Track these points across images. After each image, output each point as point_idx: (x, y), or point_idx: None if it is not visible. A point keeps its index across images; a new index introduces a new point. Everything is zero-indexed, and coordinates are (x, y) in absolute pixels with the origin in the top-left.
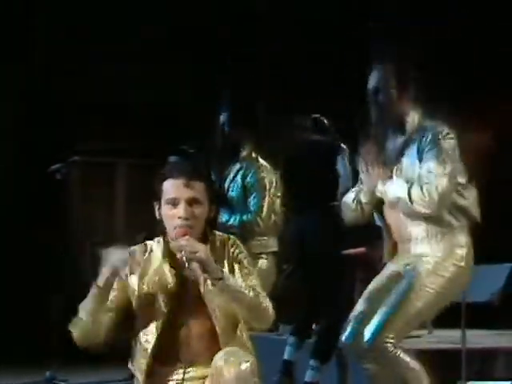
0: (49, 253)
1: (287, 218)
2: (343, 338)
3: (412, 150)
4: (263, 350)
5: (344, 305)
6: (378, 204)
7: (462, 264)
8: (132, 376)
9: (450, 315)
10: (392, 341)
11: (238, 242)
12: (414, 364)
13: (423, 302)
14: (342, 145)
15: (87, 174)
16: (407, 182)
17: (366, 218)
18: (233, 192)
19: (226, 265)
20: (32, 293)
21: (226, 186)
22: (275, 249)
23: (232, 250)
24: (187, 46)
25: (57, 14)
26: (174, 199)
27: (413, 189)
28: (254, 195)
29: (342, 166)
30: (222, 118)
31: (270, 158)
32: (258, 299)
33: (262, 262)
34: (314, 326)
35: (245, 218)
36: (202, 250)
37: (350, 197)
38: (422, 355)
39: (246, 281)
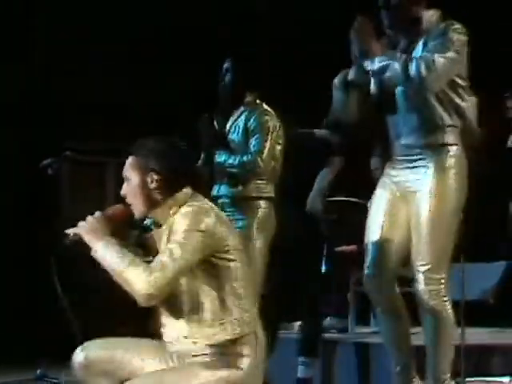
0: (43, 251)
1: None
2: (365, 271)
3: (420, 42)
4: None
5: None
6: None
7: (459, 161)
8: None
9: None
10: (443, 281)
11: (187, 216)
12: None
13: (450, 215)
14: (336, 158)
15: (77, 172)
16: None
17: (352, 105)
18: (234, 134)
19: (165, 232)
20: (22, 290)
21: (228, 127)
22: (271, 194)
23: (176, 219)
24: (187, 46)
25: (57, 14)
26: None
27: (408, 59)
28: (255, 137)
29: (320, 179)
30: (226, 64)
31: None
32: (139, 273)
33: (261, 211)
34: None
35: (245, 158)
36: (79, 229)
37: (337, 78)
38: (420, 351)
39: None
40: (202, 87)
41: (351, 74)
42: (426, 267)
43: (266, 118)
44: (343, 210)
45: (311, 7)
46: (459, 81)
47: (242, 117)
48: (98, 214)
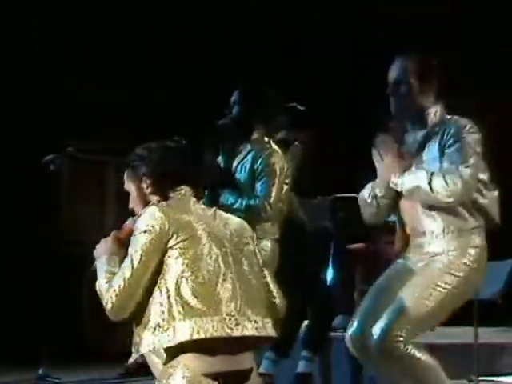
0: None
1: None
2: (349, 332)
3: (433, 144)
4: None
5: (332, 295)
6: (393, 196)
7: (475, 266)
8: (125, 374)
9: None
10: (402, 339)
11: (139, 220)
12: (428, 361)
13: (436, 301)
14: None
15: (78, 172)
16: (427, 172)
17: (384, 213)
18: (241, 174)
19: None
20: (22, 289)
21: (234, 166)
22: (277, 236)
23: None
24: (187, 46)
25: (56, 14)
26: None
27: (434, 178)
28: (263, 181)
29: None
30: (234, 97)
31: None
32: (105, 289)
33: (265, 253)
34: None
35: (252, 202)
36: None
37: (365, 192)
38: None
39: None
40: (202, 87)
41: (379, 190)
42: (385, 326)
43: (274, 160)
44: (350, 207)
45: (311, 7)
46: (481, 176)
47: (249, 157)
48: (112, 233)
